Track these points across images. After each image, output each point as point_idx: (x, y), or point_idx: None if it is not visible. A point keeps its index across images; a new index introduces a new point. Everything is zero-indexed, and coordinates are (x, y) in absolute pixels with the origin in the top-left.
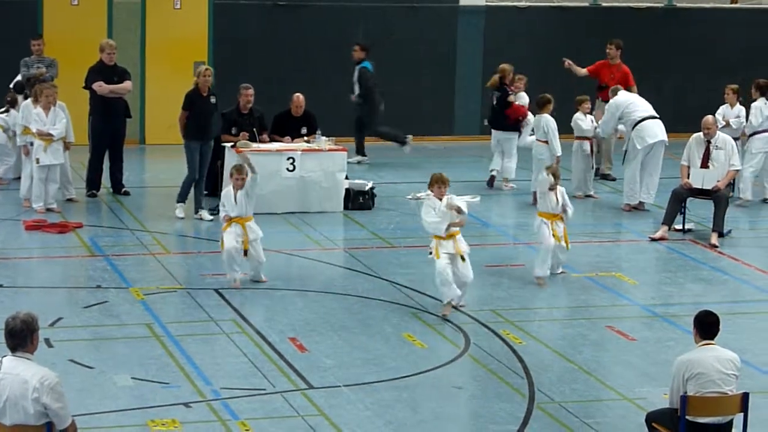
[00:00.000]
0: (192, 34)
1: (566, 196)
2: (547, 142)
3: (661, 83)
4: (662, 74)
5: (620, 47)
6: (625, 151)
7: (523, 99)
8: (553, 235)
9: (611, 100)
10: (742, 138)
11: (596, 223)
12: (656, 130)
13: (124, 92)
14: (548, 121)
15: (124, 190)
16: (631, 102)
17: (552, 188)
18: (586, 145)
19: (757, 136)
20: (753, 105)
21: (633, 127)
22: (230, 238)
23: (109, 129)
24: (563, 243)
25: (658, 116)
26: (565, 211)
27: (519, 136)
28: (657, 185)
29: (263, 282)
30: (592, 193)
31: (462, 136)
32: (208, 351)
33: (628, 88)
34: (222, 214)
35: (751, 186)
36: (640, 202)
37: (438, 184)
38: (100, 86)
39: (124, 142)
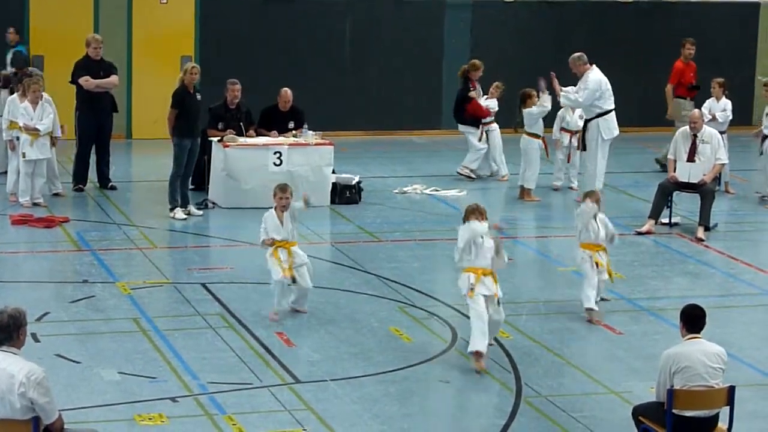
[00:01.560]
0: (179, 29)
1: (609, 223)
2: (534, 135)
3: (648, 77)
4: (648, 68)
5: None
6: (584, 141)
7: (491, 104)
8: (597, 265)
9: (593, 75)
10: (755, 135)
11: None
12: (616, 123)
13: (110, 87)
14: (531, 113)
15: (110, 184)
16: (607, 89)
17: (594, 216)
18: (566, 138)
19: None
20: None
21: (599, 116)
22: (279, 265)
23: (95, 123)
24: (606, 275)
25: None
26: (612, 240)
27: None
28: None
29: (304, 312)
30: (573, 185)
31: (449, 130)
32: (194, 345)
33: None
34: (263, 236)
35: None
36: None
37: (475, 215)
38: (86, 81)
39: (111, 136)
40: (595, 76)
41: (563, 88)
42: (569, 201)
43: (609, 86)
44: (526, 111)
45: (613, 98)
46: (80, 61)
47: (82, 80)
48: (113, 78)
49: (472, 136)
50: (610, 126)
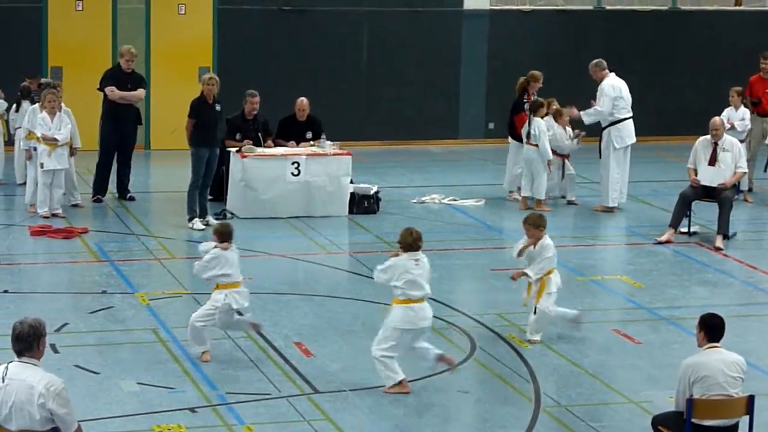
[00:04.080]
0: (196, 40)
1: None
2: (538, 146)
3: (665, 86)
4: (666, 77)
5: None
6: (600, 149)
7: (556, 133)
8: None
9: (608, 81)
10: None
11: (598, 225)
12: (632, 131)
13: (135, 100)
14: (540, 124)
15: (129, 195)
16: (621, 97)
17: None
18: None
19: None
20: None
21: (613, 124)
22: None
23: (117, 134)
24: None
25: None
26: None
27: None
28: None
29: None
30: (573, 197)
31: (467, 140)
32: (213, 356)
33: None
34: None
35: None
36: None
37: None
38: (111, 91)
39: (133, 148)
40: (610, 82)
41: (581, 112)
42: (577, 209)
43: (626, 94)
44: (535, 121)
45: (629, 107)
46: (110, 70)
47: (108, 90)
48: (140, 92)
49: (513, 150)
50: (622, 134)
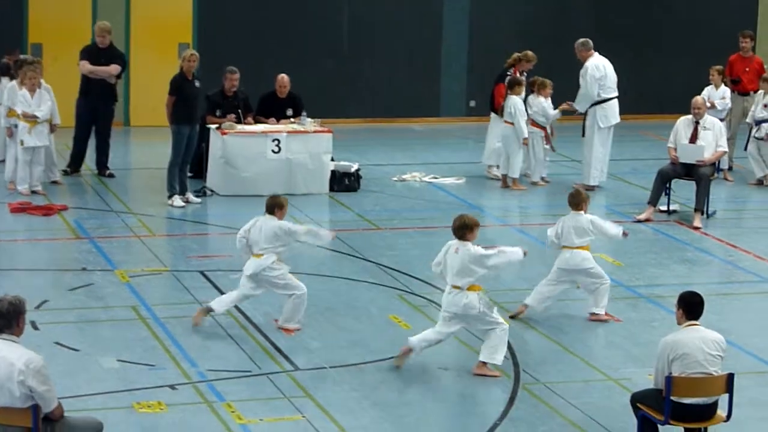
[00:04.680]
0: (177, 16)
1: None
2: (512, 123)
3: (646, 65)
4: (647, 56)
5: (753, 39)
6: (584, 127)
7: (541, 104)
8: None
9: (592, 61)
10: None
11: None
12: (617, 110)
13: (106, 75)
14: (516, 102)
15: (108, 172)
16: (605, 76)
17: None
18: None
19: None
20: None
21: (598, 103)
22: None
23: (89, 109)
24: None
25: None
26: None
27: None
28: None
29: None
30: (544, 175)
31: (448, 118)
32: (193, 333)
33: (762, 78)
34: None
35: None
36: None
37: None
38: (82, 66)
39: (111, 125)
40: (594, 62)
41: (573, 103)
42: (558, 188)
43: (610, 73)
44: (511, 99)
45: (614, 86)
46: (87, 46)
47: (80, 64)
48: (111, 67)
49: (492, 124)
50: (607, 114)
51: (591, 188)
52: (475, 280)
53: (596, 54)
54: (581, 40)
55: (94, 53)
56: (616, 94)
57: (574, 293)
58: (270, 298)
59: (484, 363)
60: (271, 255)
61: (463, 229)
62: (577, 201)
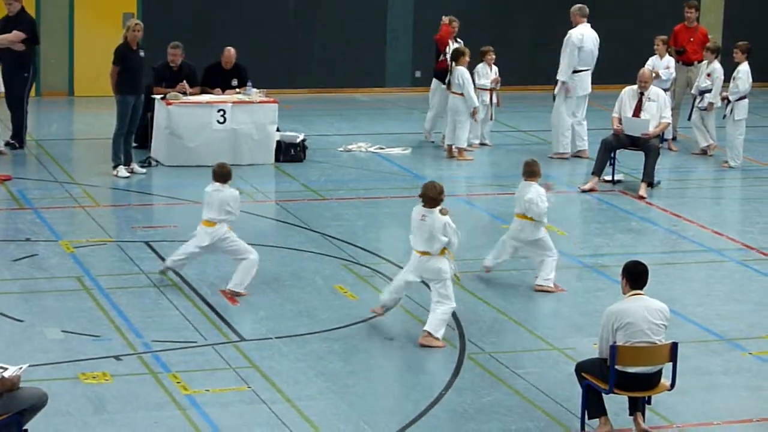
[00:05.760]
0: None
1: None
2: (462, 94)
3: None
4: (591, 25)
5: (698, 9)
6: (554, 95)
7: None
8: None
9: (573, 32)
10: (723, 102)
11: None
12: (587, 83)
13: (7, 43)
14: (462, 73)
15: (9, 142)
16: (582, 48)
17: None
18: (486, 95)
19: (742, 102)
20: (741, 69)
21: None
22: None
23: (3, 79)
24: None
25: (591, 67)
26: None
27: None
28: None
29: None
30: (487, 141)
31: (394, 88)
32: (138, 304)
33: (706, 48)
34: None
35: (742, 152)
36: (580, 150)
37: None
38: None
39: (25, 94)
40: (579, 30)
41: (557, 77)
42: (503, 158)
43: (590, 46)
44: (457, 69)
45: (589, 60)
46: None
47: None
48: (12, 34)
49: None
50: (576, 85)
51: (562, 155)
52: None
53: (581, 25)
54: (579, 5)
55: (3, 22)
56: (588, 67)
57: (520, 262)
58: (215, 270)
59: (430, 333)
60: (224, 224)
61: (436, 198)
62: (531, 170)
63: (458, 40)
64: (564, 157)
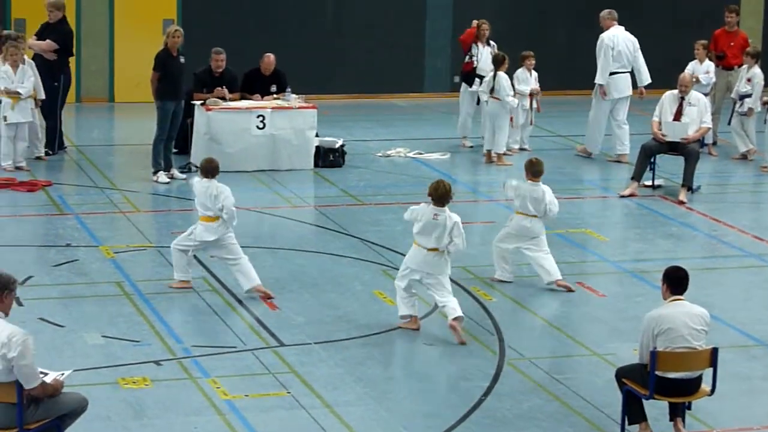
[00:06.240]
0: None
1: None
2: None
3: None
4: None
5: (738, 13)
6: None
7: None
8: None
9: (604, 35)
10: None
11: (562, 179)
12: (623, 85)
13: (39, 50)
14: (501, 78)
15: (45, 151)
16: (613, 48)
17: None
18: (525, 100)
19: None
20: None
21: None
22: None
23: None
24: None
25: (629, 69)
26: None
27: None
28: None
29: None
30: (527, 146)
31: (432, 93)
32: (178, 309)
33: (746, 52)
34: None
35: None
36: (620, 155)
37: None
38: (30, 39)
39: (57, 103)
40: (611, 33)
41: (595, 80)
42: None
43: (623, 48)
44: (498, 75)
45: (624, 62)
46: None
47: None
48: (44, 42)
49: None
50: (609, 87)
51: (588, 154)
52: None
53: (613, 27)
54: (608, 9)
55: (42, 28)
56: (624, 69)
57: (560, 268)
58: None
59: (459, 317)
60: (222, 219)
61: (446, 197)
62: (539, 170)
63: (491, 43)
64: (588, 154)
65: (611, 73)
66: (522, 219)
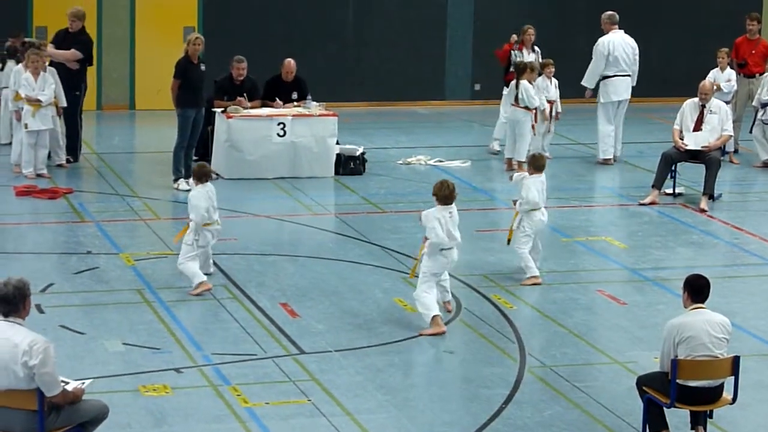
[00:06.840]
0: (181, 0)
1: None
2: (526, 108)
3: (650, 46)
4: (651, 37)
5: (760, 21)
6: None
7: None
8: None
9: (603, 39)
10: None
11: (582, 187)
12: (622, 88)
13: (62, 59)
14: (526, 87)
15: (66, 158)
16: (611, 54)
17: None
18: (546, 109)
19: None
20: None
21: (602, 79)
22: None
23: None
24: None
25: (629, 73)
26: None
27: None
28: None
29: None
30: (547, 154)
31: (453, 101)
32: (199, 317)
33: None
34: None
35: None
36: (614, 156)
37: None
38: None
39: (76, 112)
40: (608, 38)
41: (583, 83)
42: (563, 170)
43: (620, 53)
44: (521, 83)
45: (622, 65)
46: (60, 30)
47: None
48: (67, 52)
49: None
50: (608, 90)
51: (605, 162)
52: None
53: (613, 31)
54: (608, 12)
55: (60, 37)
56: (622, 72)
57: (580, 276)
58: (275, 282)
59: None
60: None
61: (451, 196)
62: (541, 164)
63: (536, 48)
64: (608, 163)
65: (610, 77)
66: (539, 215)
